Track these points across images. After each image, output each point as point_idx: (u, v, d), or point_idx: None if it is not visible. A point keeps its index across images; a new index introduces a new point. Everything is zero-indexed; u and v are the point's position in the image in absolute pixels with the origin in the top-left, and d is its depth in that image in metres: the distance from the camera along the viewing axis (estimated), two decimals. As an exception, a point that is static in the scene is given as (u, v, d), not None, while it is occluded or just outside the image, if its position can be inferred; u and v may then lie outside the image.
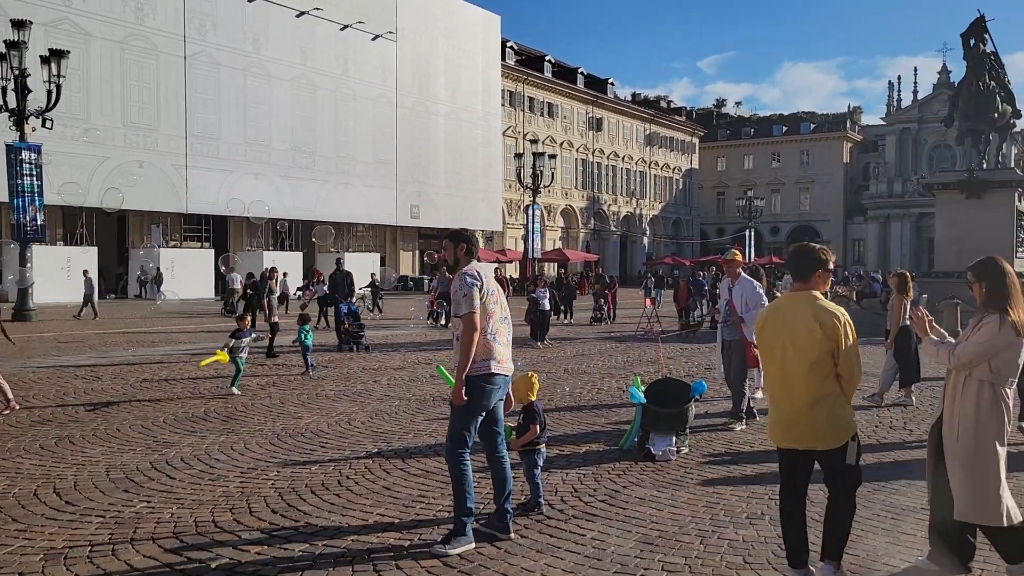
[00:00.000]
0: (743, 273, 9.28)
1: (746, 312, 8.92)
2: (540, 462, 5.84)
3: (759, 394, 10.92)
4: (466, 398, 5.03)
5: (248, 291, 22.59)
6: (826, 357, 4.19)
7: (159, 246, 38.47)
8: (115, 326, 22.39)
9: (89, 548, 4.97)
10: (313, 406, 10.11)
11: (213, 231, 42.55)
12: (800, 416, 4.23)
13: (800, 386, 4.23)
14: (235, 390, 10.99)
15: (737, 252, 9.47)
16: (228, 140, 40.72)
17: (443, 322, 21.83)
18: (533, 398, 5.85)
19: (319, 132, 45.26)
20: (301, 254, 44.06)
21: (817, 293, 4.36)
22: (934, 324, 4.70)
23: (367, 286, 28.55)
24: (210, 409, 9.83)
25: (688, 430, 7.76)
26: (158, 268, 35.21)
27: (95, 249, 35.07)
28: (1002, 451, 4.36)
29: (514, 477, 6.12)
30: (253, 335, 12.05)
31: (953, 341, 4.56)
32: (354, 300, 18.67)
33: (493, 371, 5.10)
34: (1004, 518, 4.28)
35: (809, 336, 4.19)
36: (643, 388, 7.79)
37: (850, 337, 4.23)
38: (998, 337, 4.29)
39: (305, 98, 44.61)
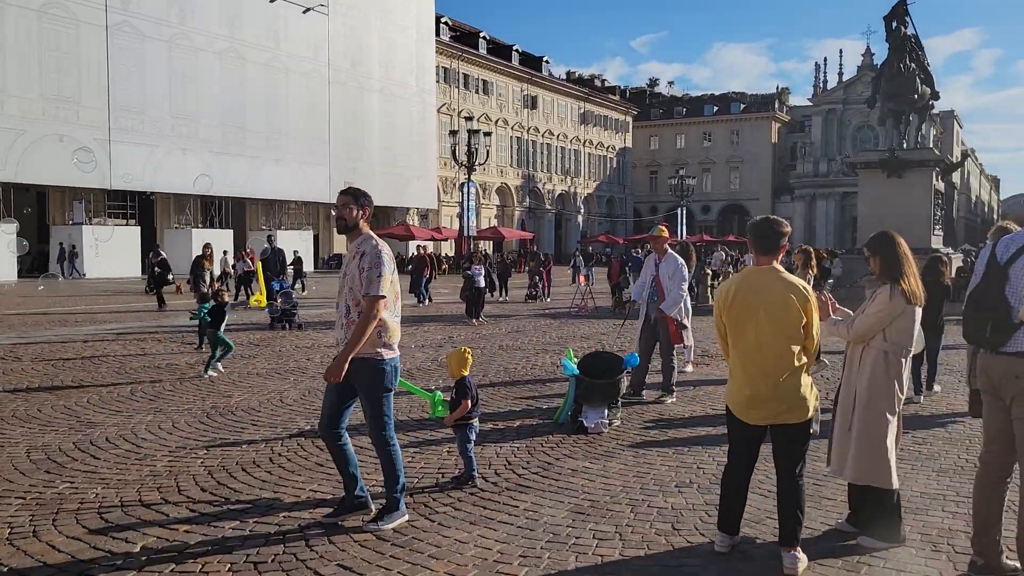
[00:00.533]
0: (670, 249, 9.36)
1: (669, 289, 9.02)
2: (472, 437, 5.87)
3: (688, 368, 11.16)
4: (390, 387, 4.99)
5: (156, 269, 21.91)
6: (799, 329, 4.27)
7: (82, 223, 37.19)
8: (36, 305, 21.64)
9: (9, 530, 4.83)
10: (244, 384, 9.96)
11: (139, 208, 41.31)
12: (776, 390, 4.24)
13: (776, 359, 4.25)
14: (212, 372, 10.62)
15: (664, 228, 9.46)
16: (153, 114, 39.38)
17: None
18: (466, 373, 5.87)
19: (249, 107, 44.13)
20: (232, 231, 43.13)
21: (780, 266, 4.44)
22: (837, 306, 4.90)
23: (291, 264, 27.63)
24: (137, 389, 9.60)
25: (620, 403, 7.89)
26: (73, 246, 34.08)
27: (15, 225, 33.68)
28: (892, 419, 4.60)
29: (448, 451, 6.16)
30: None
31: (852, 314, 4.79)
32: (286, 278, 18.41)
33: (397, 353, 5.06)
34: (893, 482, 4.54)
35: (786, 308, 4.24)
36: (576, 360, 7.87)
37: (815, 309, 4.36)
38: (890, 306, 4.53)
39: (234, 72, 43.41)
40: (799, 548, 4.30)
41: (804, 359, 4.31)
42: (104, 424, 7.67)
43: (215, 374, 10.59)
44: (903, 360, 4.60)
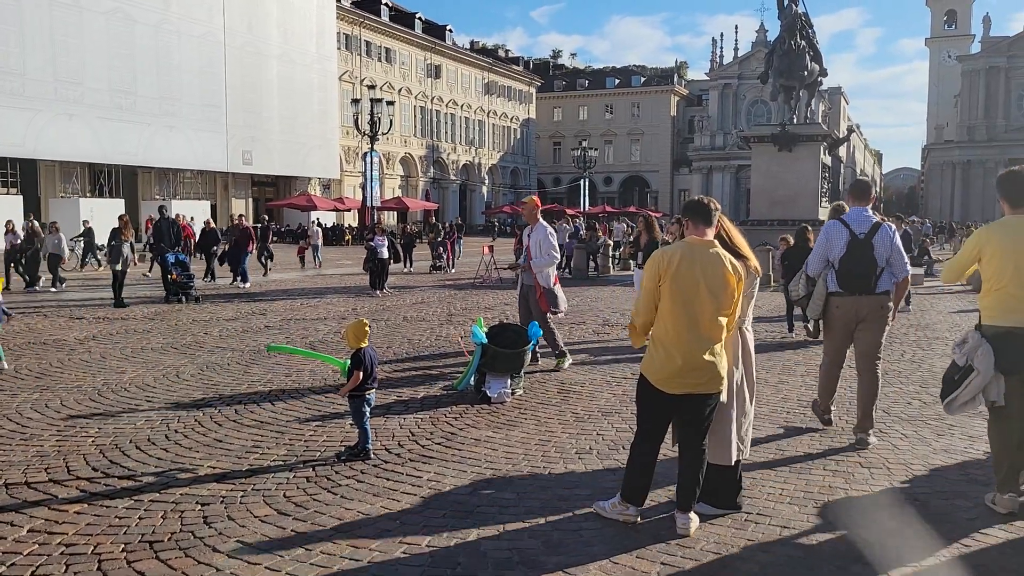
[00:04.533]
0: (541, 219, 9.36)
1: (536, 258, 9.07)
2: (366, 409, 5.84)
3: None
4: None
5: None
6: (731, 304, 4.41)
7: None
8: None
9: None
10: (138, 360, 9.65)
11: (21, 176, 39.08)
12: (706, 361, 4.33)
13: (712, 330, 4.35)
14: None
15: (535, 198, 9.51)
16: (35, 76, 37.05)
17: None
18: (364, 344, 5.84)
19: (139, 71, 42.09)
20: (123, 201, 41.32)
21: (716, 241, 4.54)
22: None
23: (81, 235, 26.04)
24: (21, 366, 9.18)
25: (523, 373, 8.00)
26: None
27: None
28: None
29: (352, 424, 6.14)
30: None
31: None
32: (180, 249, 17.80)
33: None
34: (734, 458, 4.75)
35: (726, 282, 4.36)
36: (485, 330, 7.93)
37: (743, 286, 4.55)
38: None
39: (122, 34, 41.26)
40: (692, 510, 4.49)
41: (726, 332, 4.47)
42: (-14, 404, 7.32)
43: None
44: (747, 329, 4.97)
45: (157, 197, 44.12)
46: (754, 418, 5.09)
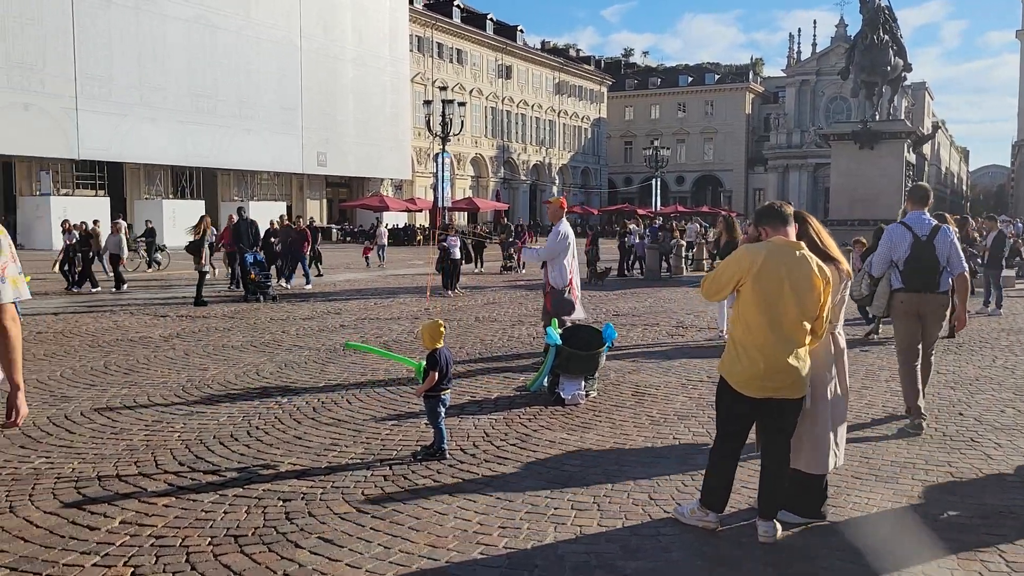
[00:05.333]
0: (564, 220, 9.10)
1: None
2: (441, 409, 5.87)
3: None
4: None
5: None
6: (816, 307, 4.28)
7: (49, 194, 36.54)
8: None
9: (-15, 506, 4.80)
10: (219, 357, 9.91)
11: (108, 178, 40.67)
12: (792, 364, 4.21)
13: (796, 333, 4.23)
14: None
15: (560, 198, 9.64)
16: (121, 82, 38.58)
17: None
18: (439, 345, 5.87)
19: (220, 76, 43.40)
20: (203, 202, 42.62)
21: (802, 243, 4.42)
22: None
23: (142, 236, 26.19)
24: (110, 362, 9.52)
25: (597, 375, 7.95)
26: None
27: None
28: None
29: (427, 423, 6.18)
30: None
31: None
32: (258, 249, 18.20)
33: None
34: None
35: (814, 285, 4.23)
36: (559, 331, 7.90)
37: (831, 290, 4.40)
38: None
39: (204, 40, 42.61)
40: (776, 519, 4.38)
41: (810, 337, 4.33)
42: (79, 398, 7.61)
43: None
44: None
45: (236, 198, 45.42)
46: None
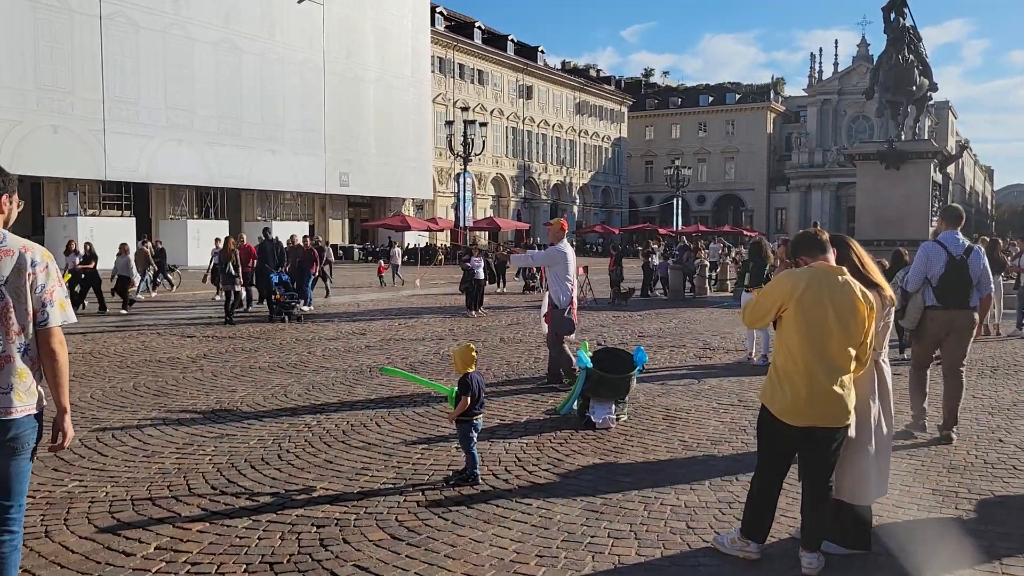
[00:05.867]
0: (564, 240, 9.65)
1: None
2: (474, 434, 5.82)
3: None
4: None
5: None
6: (861, 335, 4.19)
7: (76, 214, 36.99)
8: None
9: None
10: (247, 379, 9.93)
11: (134, 199, 41.14)
12: (836, 392, 4.12)
13: (841, 360, 4.14)
14: None
15: (560, 220, 9.90)
16: (148, 105, 39.13)
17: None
18: (471, 370, 5.85)
19: (244, 98, 43.90)
20: (227, 222, 42.97)
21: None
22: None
23: (154, 257, 24.06)
24: (140, 383, 9.56)
25: (627, 398, 7.87)
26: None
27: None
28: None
29: (458, 448, 6.12)
30: None
31: None
32: (284, 269, 18.29)
33: None
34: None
35: (857, 311, 4.14)
36: (590, 354, 7.85)
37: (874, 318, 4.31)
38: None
39: (229, 62, 43.15)
40: (819, 550, 4.28)
41: (855, 364, 4.24)
42: (110, 420, 7.64)
43: None
44: None
45: (259, 218, 45.80)
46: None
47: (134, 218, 39.65)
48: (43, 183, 37.86)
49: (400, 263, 30.45)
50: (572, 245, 37.07)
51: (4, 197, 3.36)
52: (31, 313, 3.24)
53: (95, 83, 36.97)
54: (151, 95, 39.24)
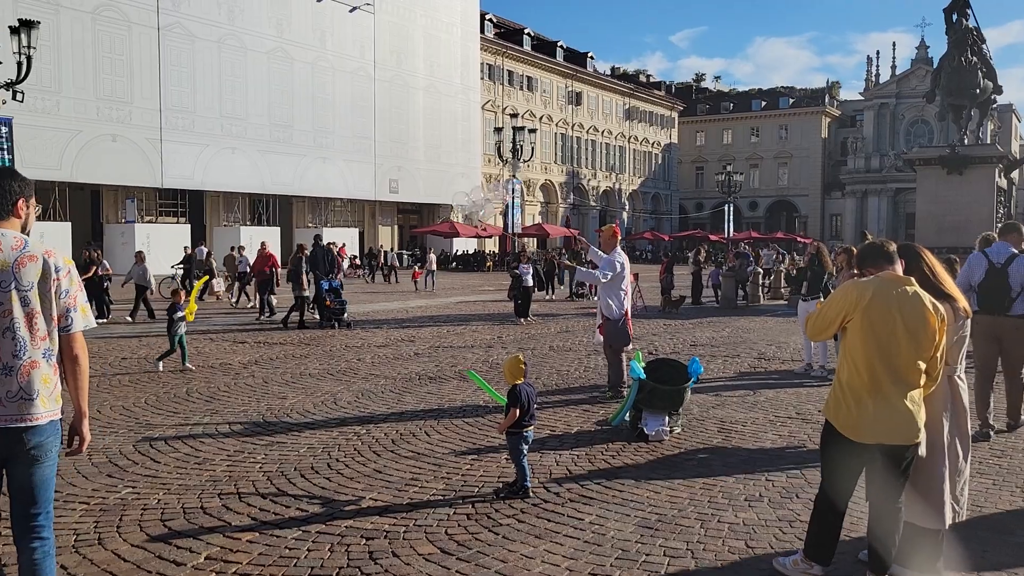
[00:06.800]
0: (618, 247, 9.46)
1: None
2: (523, 447, 5.70)
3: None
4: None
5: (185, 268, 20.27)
6: (931, 348, 3.99)
7: (134, 221, 37.85)
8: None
9: (74, 537, 4.82)
10: (297, 385, 9.95)
11: (189, 206, 41.96)
12: (905, 407, 3.94)
13: (910, 375, 3.96)
14: (188, 365, 11.15)
15: (613, 226, 9.86)
16: (203, 114, 39.94)
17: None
18: (520, 381, 5.74)
19: (296, 106, 44.53)
20: (279, 228, 43.55)
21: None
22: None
23: (180, 263, 24.70)
24: (192, 389, 9.64)
25: (681, 411, 7.68)
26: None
27: (68, 225, 34.48)
28: None
29: (507, 458, 6.01)
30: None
31: None
32: (336, 276, 18.40)
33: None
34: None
35: (928, 322, 3.95)
36: (643, 364, 7.68)
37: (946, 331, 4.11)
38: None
39: (282, 71, 43.82)
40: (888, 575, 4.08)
41: (925, 379, 4.04)
42: (162, 426, 7.69)
43: (191, 367, 11.14)
44: None
45: (310, 225, 46.35)
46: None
47: (189, 225, 40.40)
48: (102, 190, 38.78)
49: (435, 269, 31.11)
50: (630, 251, 36.68)
51: (21, 201, 3.35)
52: (56, 319, 3.26)
53: (152, 93, 37.82)
54: (206, 104, 40.04)
